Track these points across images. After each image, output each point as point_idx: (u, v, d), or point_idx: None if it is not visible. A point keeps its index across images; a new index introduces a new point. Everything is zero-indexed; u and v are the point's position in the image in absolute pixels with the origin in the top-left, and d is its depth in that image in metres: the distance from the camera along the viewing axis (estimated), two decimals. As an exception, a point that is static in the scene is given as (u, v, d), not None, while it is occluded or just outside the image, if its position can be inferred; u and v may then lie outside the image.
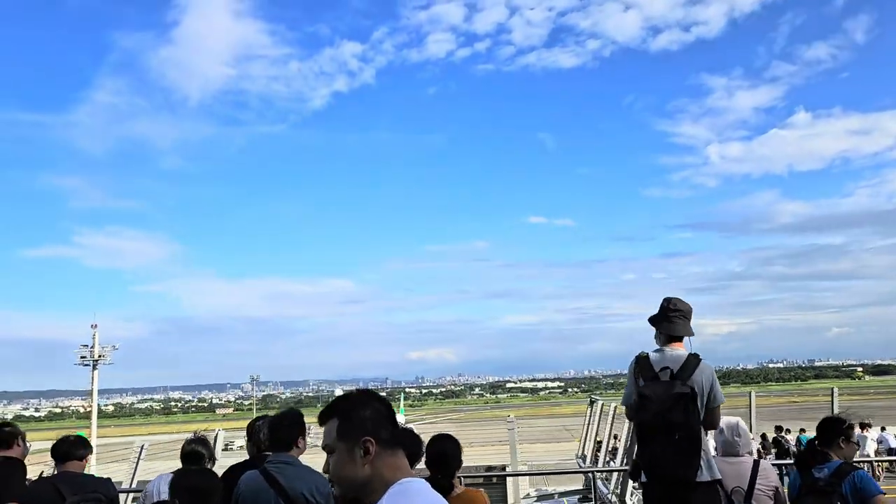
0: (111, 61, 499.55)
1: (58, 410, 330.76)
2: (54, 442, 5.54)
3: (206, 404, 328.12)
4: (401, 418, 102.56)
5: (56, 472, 5.37)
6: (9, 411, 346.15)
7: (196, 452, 5.82)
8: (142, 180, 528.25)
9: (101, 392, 54.99)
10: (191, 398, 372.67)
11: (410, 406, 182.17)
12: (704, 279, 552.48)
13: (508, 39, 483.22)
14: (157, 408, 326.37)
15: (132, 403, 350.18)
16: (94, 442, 49.12)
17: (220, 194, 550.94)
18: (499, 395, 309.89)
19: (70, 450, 5.46)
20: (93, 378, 49.00)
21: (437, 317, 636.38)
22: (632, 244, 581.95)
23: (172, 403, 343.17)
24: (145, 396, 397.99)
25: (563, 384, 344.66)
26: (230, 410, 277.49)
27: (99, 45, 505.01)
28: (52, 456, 5.44)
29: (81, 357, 48.98)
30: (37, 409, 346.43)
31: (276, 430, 4.94)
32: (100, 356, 48.89)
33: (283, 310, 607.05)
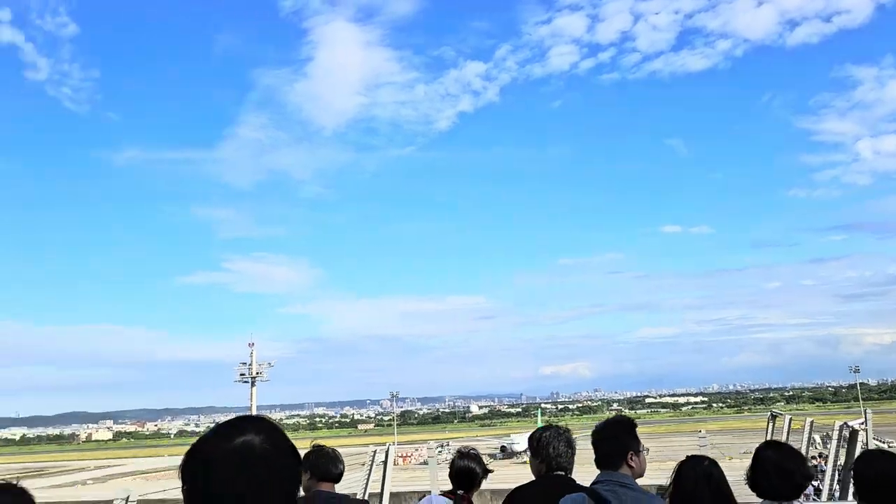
0: (253, 98, 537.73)
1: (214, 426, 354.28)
2: (308, 452, 4.73)
3: (348, 420, 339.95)
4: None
5: (314, 491, 4.66)
6: (173, 427, 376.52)
7: (469, 470, 5.21)
8: (284, 208, 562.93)
9: (250, 409, 58.66)
10: (334, 414, 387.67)
11: (547, 423, 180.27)
12: (860, 284, 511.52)
13: (633, 47, 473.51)
14: (304, 423, 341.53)
15: (280, 419, 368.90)
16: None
17: (355, 218, 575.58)
18: (638, 411, 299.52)
19: (330, 466, 4.73)
20: (251, 394, 52.31)
21: (570, 331, 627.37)
22: (775, 250, 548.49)
23: (317, 419, 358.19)
24: (292, 412, 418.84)
25: (706, 399, 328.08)
26: (371, 426, 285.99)
27: (242, 84, 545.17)
28: (310, 470, 4.68)
29: (241, 374, 52.41)
30: (196, 425, 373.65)
31: (603, 443, 4.12)
32: (257, 373, 52.09)
33: (418, 327, 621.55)
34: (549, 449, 4.50)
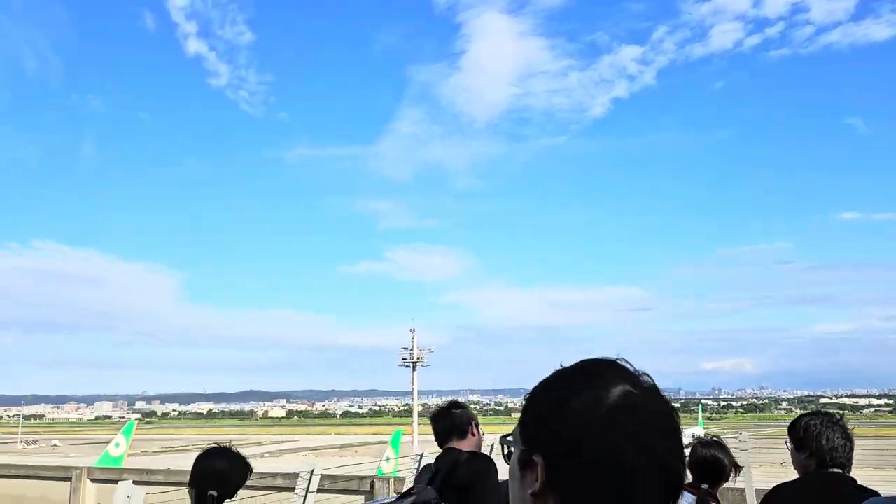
0: (410, 94, 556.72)
1: (377, 408, 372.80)
2: None
3: (502, 408, 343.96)
4: (699, 431, 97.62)
5: None
6: (339, 407, 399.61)
7: (716, 460, 4.61)
8: (440, 200, 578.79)
9: (408, 393, 61.34)
10: (488, 402, 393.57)
11: (708, 419, 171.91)
12: None
13: (806, 19, 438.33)
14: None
15: (437, 405, 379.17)
16: (415, 439, 54.85)
17: (508, 208, 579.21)
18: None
19: None
20: (413, 378, 54.85)
21: (732, 325, 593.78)
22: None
23: (472, 405, 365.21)
24: (448, 398, 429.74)
25: (892, 402, 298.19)
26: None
27: (400, 81, 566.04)
28: None
29: (403, 359, 55.00)
30: (359, 407, 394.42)
31: None
32: (418, 359, 54.47)
33: (572, 317, 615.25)
34: (820, 440, 3.74)
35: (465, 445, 4.13)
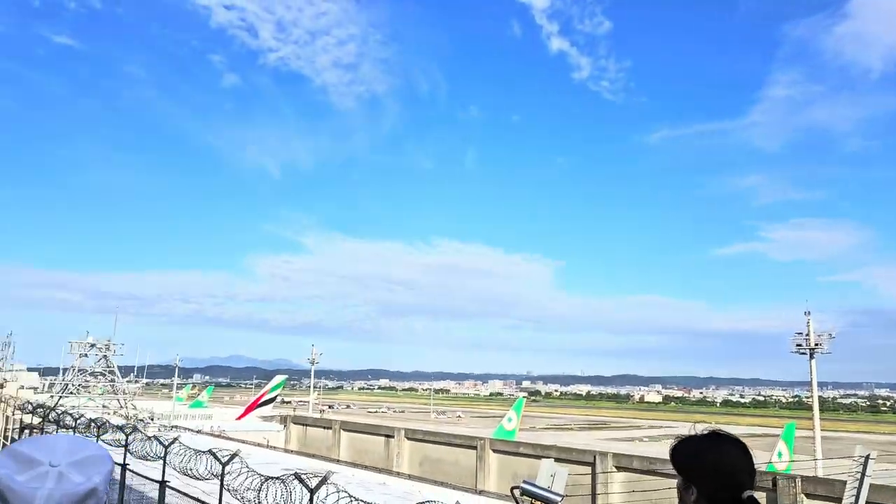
0: (782, 55, 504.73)
1: (761, 398, 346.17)
2: None
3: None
4: None
5: None
6: (718, 395, 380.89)
7: None
8: (823, 168, 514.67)
9: (797, 384, 55.18)
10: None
11: None
12: None
13: None
14: (863, 405, 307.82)
15: (834, 398, 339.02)
16: (817, 435, 49.24)
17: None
18: None
19: None
20: (811, 367, 49.49)
21: None
22: None
23: (879, 401, 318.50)
24: (847, 391, 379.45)
25: None
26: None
27: (768, 44, 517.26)
28: None
29: (797, 345, 49.94)
30: (741, 396, 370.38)
31: None
32: (816, 345, 48.98)
33: None
34: None
35: None
